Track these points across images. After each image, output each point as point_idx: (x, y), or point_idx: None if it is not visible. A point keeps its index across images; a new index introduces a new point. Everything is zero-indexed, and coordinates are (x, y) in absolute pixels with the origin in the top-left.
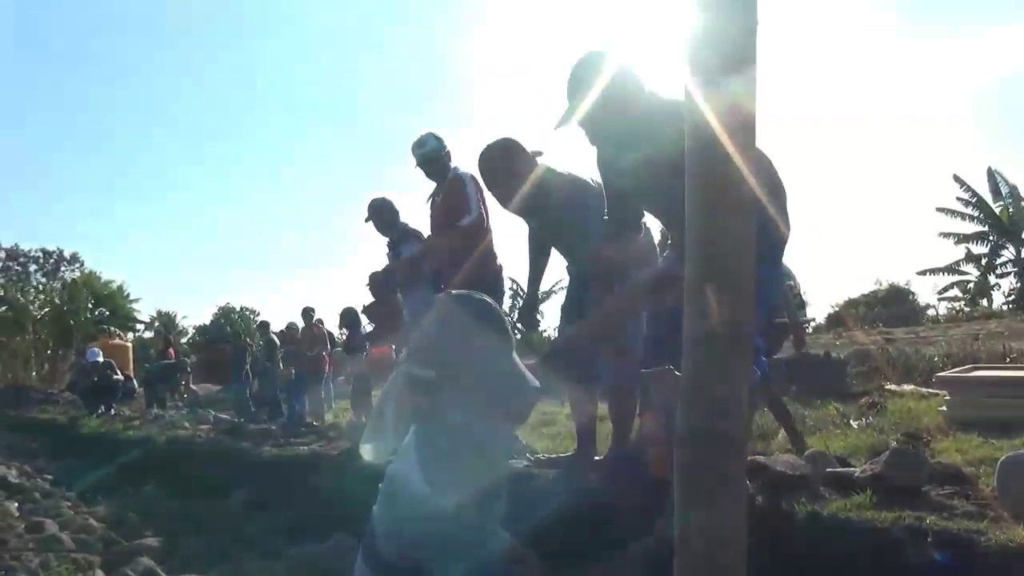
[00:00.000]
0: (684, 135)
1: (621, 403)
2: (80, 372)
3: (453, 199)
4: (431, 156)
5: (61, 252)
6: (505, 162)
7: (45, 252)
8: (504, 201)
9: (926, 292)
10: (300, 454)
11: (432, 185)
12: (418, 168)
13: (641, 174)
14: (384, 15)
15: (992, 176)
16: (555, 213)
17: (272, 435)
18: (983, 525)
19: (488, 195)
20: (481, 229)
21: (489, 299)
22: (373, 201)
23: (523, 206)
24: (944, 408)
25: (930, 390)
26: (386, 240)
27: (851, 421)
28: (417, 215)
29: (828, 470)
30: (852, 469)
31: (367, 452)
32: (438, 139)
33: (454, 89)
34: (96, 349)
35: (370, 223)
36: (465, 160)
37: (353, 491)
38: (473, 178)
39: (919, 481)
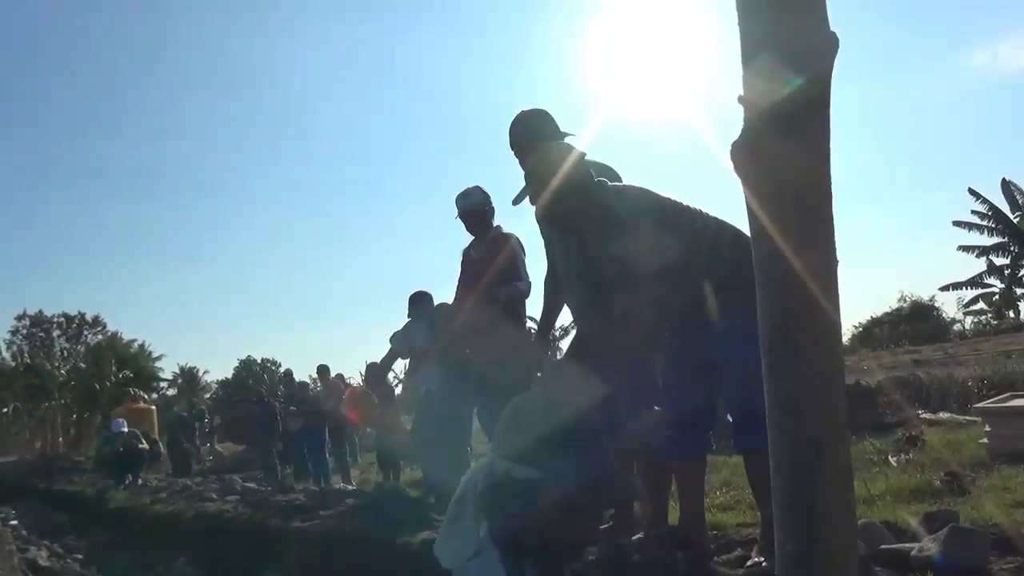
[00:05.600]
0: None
1: (656, 476)
2: (105, 443)
3: (503, 261)
4: (475, 210)
5: (83, 316)
6: (539, 125)
7: (67, 317)
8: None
9: (951, 306)
10: (329, 530)
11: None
12: (459, 219)
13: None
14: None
15: (1007, 187)
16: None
17: (301, 508)
18: None
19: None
20: (526, 297)
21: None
22: (412, 296)
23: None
24: (985, 440)
25: (967, 417)
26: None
27: (889, 458)
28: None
29: (882, 547)
30: (908, 546)
31: (445, 557)
32: (485, 193)
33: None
34: (120, 420)
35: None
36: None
37: (383, 570)
38: (519, 241)
39: (982, 563)
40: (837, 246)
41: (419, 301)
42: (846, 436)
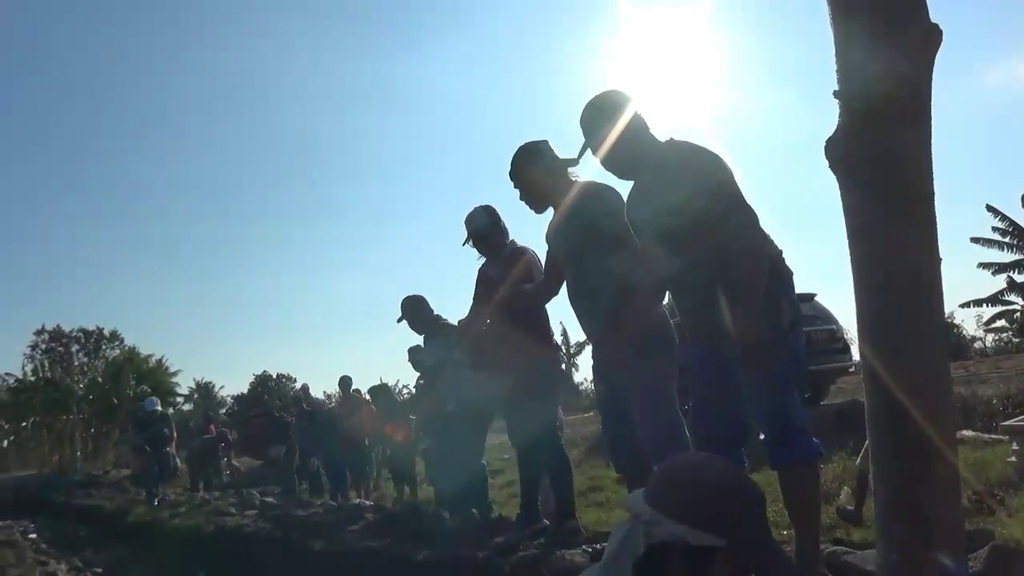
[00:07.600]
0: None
1: None
2: (136, 425)
3: (519, 274)
4: (481, 234)
5: (101, 331)
6: (526, 163)
7: (86, 332)
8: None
9: (971, 324)
10: (352, 547)
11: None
12: (468, 245)
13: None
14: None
15: None
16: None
17: (320, 523)
18: None
19: None
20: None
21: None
22: (404, 300)
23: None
24: (1013, 459)
25: (993, 436)
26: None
27: None
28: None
29: None
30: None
31: None
32: (487, 214)
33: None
34: (154, 399)
35: (403, 322)
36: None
37: None
38: (536, 255)
39: None
40: None
41: (414, 306)
42: (954, 440)
